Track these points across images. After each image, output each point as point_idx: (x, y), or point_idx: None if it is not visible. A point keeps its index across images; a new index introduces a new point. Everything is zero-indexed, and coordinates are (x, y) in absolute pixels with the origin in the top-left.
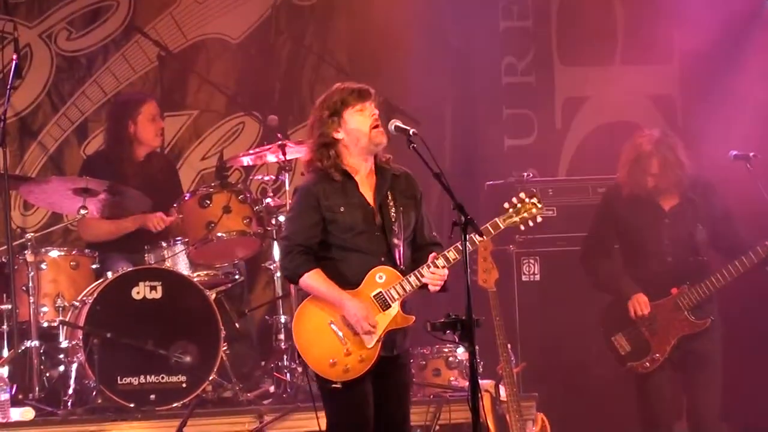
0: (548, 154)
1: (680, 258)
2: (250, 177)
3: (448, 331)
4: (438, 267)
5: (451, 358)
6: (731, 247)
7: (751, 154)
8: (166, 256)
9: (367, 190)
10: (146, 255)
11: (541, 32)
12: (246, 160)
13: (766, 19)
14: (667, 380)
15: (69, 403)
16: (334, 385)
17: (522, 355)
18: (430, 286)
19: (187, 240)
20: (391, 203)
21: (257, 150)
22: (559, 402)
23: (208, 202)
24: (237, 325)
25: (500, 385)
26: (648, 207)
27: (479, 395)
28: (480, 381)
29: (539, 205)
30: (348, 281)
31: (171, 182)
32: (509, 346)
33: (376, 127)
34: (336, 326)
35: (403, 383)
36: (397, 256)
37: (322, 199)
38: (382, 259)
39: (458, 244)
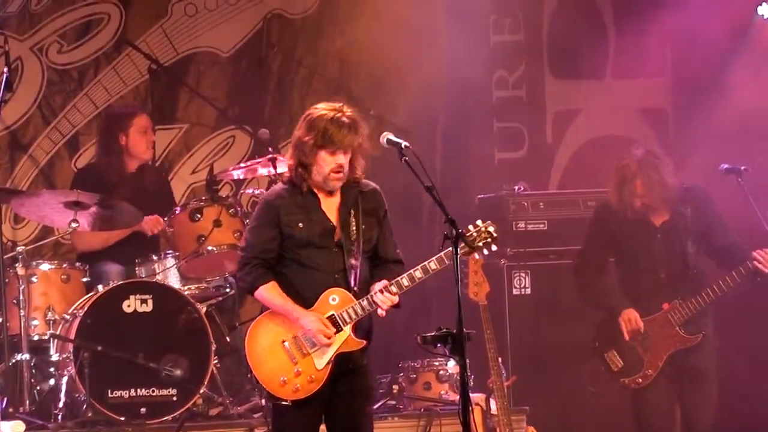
0: (539, 168)
1: (673, 273)
2: (241, 190)
3: (438, 345)
4: (391, 293)
5: (441, 372)
6: (727, 256)
7: (742, 167)
8: (157, 270)
9: (330, 207)
10: (137, 268)
11: (532, 46)
12: (237, 174)
13: (756, 33)
14: (662, 394)
15: (59, 417)
16: (283, 402)
17: (513, 369)
18: (379, 311)
19: (177, 253)
20: (353, 221)
21: (248, 163)
22: (550, 416)
23: (199, 215)
24: (228, 338)
25: (491, 399)
26: (639, 224)
27: (470, 409)
28: (471, 394)
29: (495, 234)
30: (302, 297)
31: (163, 194)
32: (500, 359)
33: (336, 173)
34: (288, 345)
35: (360, 392)
36: (351, 277)
37: (282, 213)
38: (336, 276)
39: (426, 263)
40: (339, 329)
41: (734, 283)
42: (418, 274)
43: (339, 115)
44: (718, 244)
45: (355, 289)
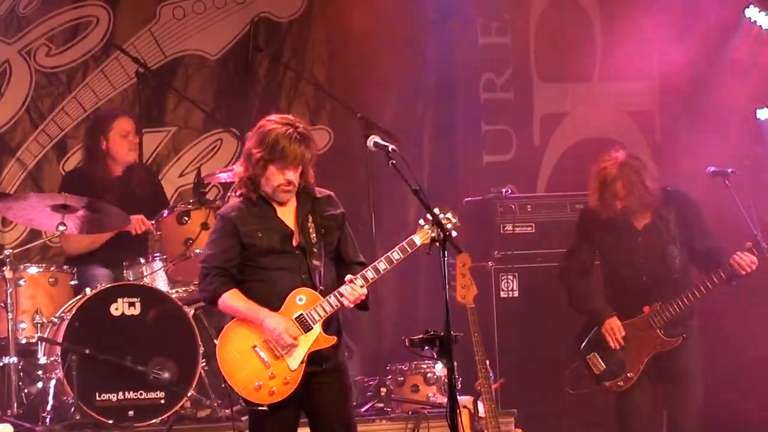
0: (527, 170)
1: (655, 276)
2: (228, 194)
3: (426, 347)
4: (357, 286)
5: (429, 374)
6: (707, 260)
7: (729, 170)
8: (145, 273)
9: (286, 214)
10: (125, 271)
11: (520, 48)
12: (224, 177)
13: (744, 35)
14: (645, 396)
15: (47, 420)
16: (260, 407)
17: (500, 372)
18: (345, 301)
19: (165, 256)
20: (311, 225)
21: (235, 167)
22: (538, 418)
23: (186, 218)
24: (215, 341)
25: (479, 402)
26: (621, 227)
27: (458, 411)
28: (458, 397)
29: (454, 220)
30: (268, 301)
31: (154, 193)
32: (488, 362)
33: (284, 188)
34: (259, 349)
35: (338, 390)
36: (316, 278)
37: (240, 225)
38: (303, 276)
39: (389, 254)
40: (309, 328)
41: (713, 286)
42: (382, 265)
43: (290, 130)
44: (698, 248)
45: (321, 288)
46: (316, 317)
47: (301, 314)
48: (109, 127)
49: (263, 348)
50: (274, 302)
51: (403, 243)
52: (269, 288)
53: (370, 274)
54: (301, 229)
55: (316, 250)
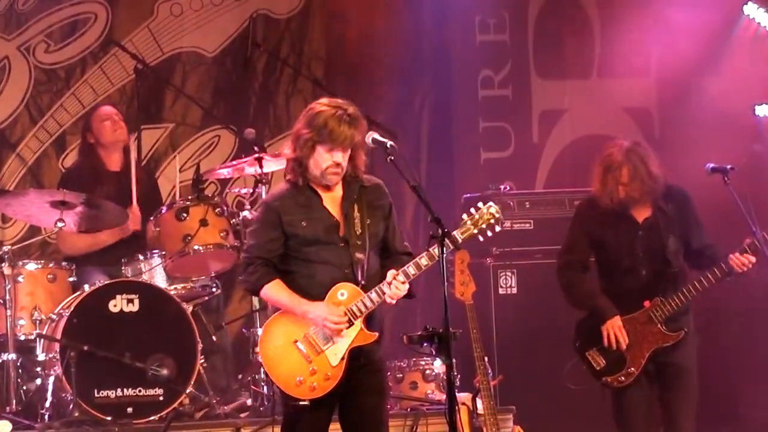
0: (525, 167)
1: (654, 270)
2: (227, 190)
3: (425, 344)
4: (399, 282)
5: (428, 371)
6: (701, 258)
7: (728, 167)
8: (143, 269)
9: (332, 203)
10: (123, 268)
11: (518, 45)
12: (223, 173)
13: (742, 32)
14: (643, 393)
15: (46, 416)
16: (301, 403)
17: (499, 368)
18: (387, 298)
19: (164, 253)
20: (357, 216)
21: (234, 163)
22: (537, 415)
23: (185, 215)
24: (214, 338)
25: (477, 398)
26: (621, 220)
27: (456, 408)
28: (457, 394)
29: (497, 215)
30: (310, 294)
31: (150, 193)
32: (486, 358)
33: (332, 170)
34: (301, 345)
35: (375, 389)
36: (359, 272)
37: (283, 214)
38: (346, 271)
39: (430, 250)
40: (350, 324)
41: (709, 283)
42: (423, 261)
43: (340, 112)
44: (694, 245)
45: (362, 282)
46: (357, 312)
47: (342, 309)
48: (90, 121)
49: (304, 343)
50: (314, 296)
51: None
52: (310, 281)
53: (411, 270)
54: (347, 220)
55: (360, 242)
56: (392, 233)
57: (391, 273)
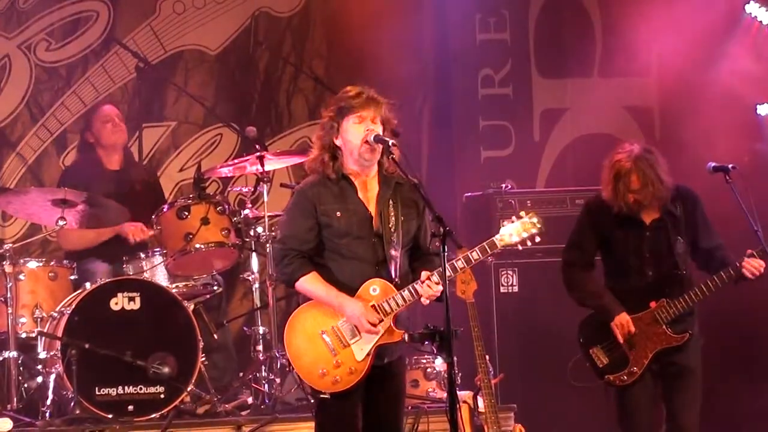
0: (526, 166)
1: (661, 272)
2: (228, 188)
3: (426, 342)
4: (433, 283)
5: (429, 369)
6: (709, 259)
7: (730, 165)
8: (145, 267)
9: (367, 196)
10: (125, 266)
11: (519, 44)
12: (224, 171)
13: (743, 31)
14: (646, 392)
15: (47, 414)
16: (322, 395)
17: (500, 367)
18: (423, 299)
19: (165, 251)
20: (392, 212)
21: (236, 161)
22: (538, 413)
23: (186, 213)
24: (215, 336)
25: (478, 397)
26: (629, 222)
27: (457, 406)
28: (458, 392)
29: (539, 225)
30: (342, 288)
31: (152, 193)
32: (487, 357)
33: (366, 142)
34: (327, 336)
35: (394, 393)
36: (392, 268)
37: (318, 203)
38: (377, 267)
39: (469, 254)
40: (380, 320)
41: (720, 284)
42: (459, 264)
43: (360, 89)
44: (702, 246)
45: (396, 280)
46: (388, 309)
47: (374, 305)
48: (91, 120)
49: (331, 335)
50: (347, 290)
51: (484, 243)
52: (340, 275)
53: (447, 271)
54: (381, 215)
55: (394, 239)
56: (424, 233)
57: (425, 273)
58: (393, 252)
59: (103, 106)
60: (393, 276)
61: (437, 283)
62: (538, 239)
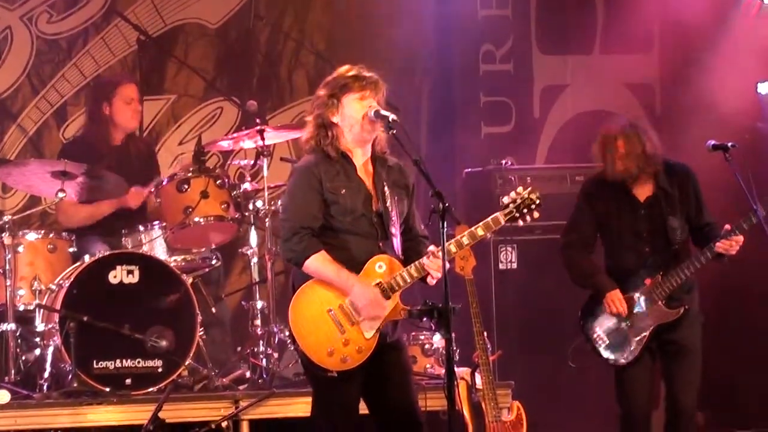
0: (526, 142)
1: (656, 248)
2: (228, 162)
3: (424, 319)
4: (438, 258)
5: (427, 346)
6: (702, 235)
7: (730, 144)
8: (144, 241)
9: (365, 175)
10: (123, 239)
11: (520, 20)
12: (225, 145)
13: (745, 9)
14: (645, 370)
15: (45, 387)
16: (329, 374)
17: (498, 343)
18: (429, 278)
19: (164, 224)
20: (388, 192)
21: (236, 135)
22: (535, 390)
23: (186, 186)
24: (213, 310)
25: (476, 373)
26: (624, 199)
27: (455, 383)
28: (456, 369)
29: (537, 200)
30: (347, 266)
31: (148, 166)
32: (485, 333)
33: (367, 117)
34: (335, 314)
35: (403, 367)
36: (395, 245)
37: (324, 180)
38: (381, 245)
39: (473, 229)
40: (387, 297)
41: (705, 261)
42: (465, 240)
43: (360, 67)
44: (695, 223)
45: (400, 256)
46: (396, 287)
47: (380, 282)
48: (112, 93)
49: (338, 312)
50: (352, 267)
51: (488, 219)
52: (345, 254)
53: (452, 248)
54: (379, 194)
55: (393, 218)
56: (413, 215)
57: (432, 247)
58: (393, 230)
59: (126, 82)
60: (397, 252)
61: (455, 254)
62: (536, 215)
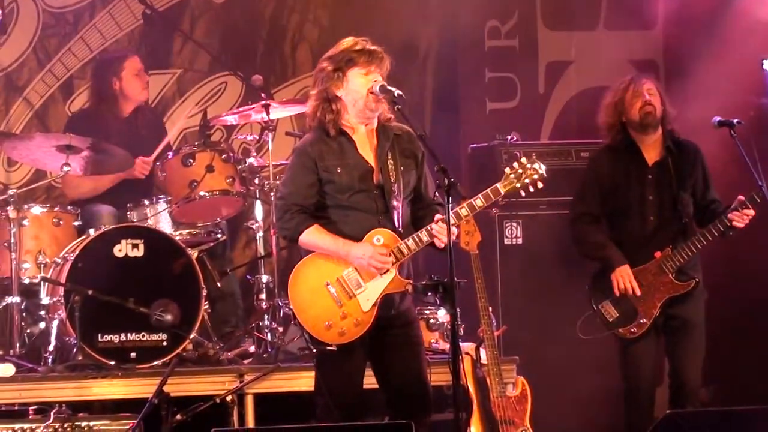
0: (531, 118)
1: (663, 218)
2: (233, 136)
3: (429, 293)
4: (443, 224)
5: (432, 320)
6: (706, 212)
7: (735, 120)
8: (149, 214)
9: (366, 149)
10: (129, 213)
11: None
12: (230, 120)
13: None
14: (650, 345)
15: (49, 360)
16: (329, 347)
17: (503, 319)
18: (436, 241)
19: (169, 198)
20: (392, 163)
21: (241, 109)
22: (540, 366)
23: (191, 161)
24: (218, 284)
25: (481, 348)
26: (632, 163)
27: (460, 358)
28: (461, 344)
29: (541, 170)
30: (346, 238)
31: (156, 135)
32: (490, 309)
33: (372, 92)
34: (333, 287)
35: (410, 340)
36: (395, 218)
37: (318, 159)
38: (380, 218)
39: (471, 201)
40: (385, 270)
41: (712, 237)
42: (463, 211)
43: (364, 40)
44: (701, 199)
45: (400, 230)
46: (406, 251)
47: (389, 248)
48: (121, 67)
49: (336, 286)
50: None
51: (487, 190)
52: (343, 228)
53: (464, 211)
54: (381, 166)
55: (395, 190)
56: (425, 183)
57: (438, 216)
58: (395, 202)
59: (132, 56)
60: (397, 226)
61: (454, 224)
62: (540, 185)
